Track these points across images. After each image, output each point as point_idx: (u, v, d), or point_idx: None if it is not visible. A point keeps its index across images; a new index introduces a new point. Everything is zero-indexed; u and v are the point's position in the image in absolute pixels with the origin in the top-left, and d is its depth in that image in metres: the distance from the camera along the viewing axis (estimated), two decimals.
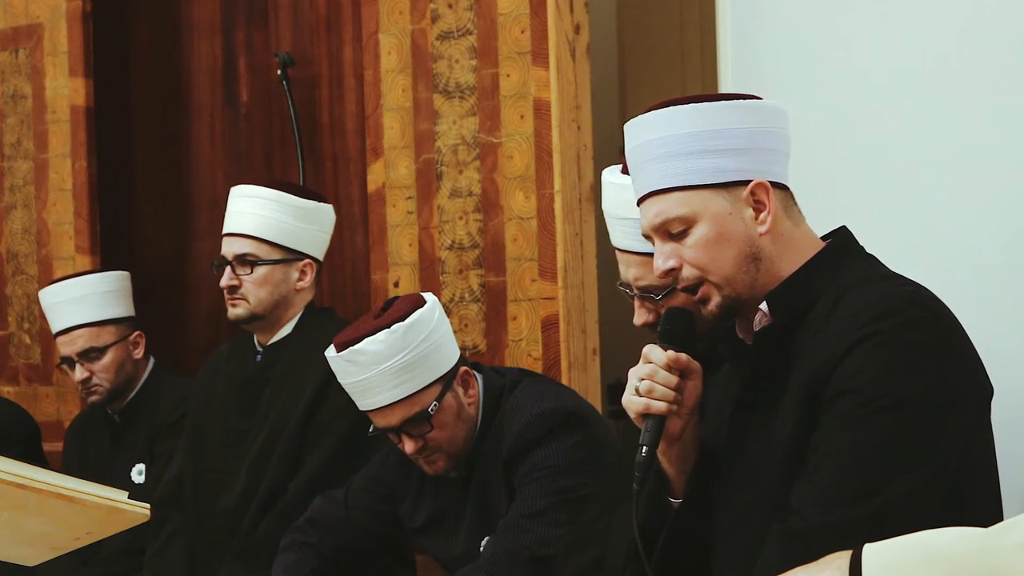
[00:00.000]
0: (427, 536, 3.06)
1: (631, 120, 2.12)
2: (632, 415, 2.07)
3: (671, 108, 2.06)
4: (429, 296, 2.91)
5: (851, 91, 3.09)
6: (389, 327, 2.78)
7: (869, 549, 1.52)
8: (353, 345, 2.80)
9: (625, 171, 2.49)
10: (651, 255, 2.41)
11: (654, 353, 2.07)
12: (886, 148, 3.04)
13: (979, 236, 2.92)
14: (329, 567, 3.10)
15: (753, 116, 2.05)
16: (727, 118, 2.03)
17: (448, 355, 2.88)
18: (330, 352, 2.87)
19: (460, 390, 2.89)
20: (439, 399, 2.83)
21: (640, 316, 2.50)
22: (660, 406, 2.04)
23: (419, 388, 2.82)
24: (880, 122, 3.05)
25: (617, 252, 2.54)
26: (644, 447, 2.03)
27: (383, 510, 3.09)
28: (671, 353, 2.06)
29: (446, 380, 2.86)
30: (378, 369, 2.79)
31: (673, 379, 2.05)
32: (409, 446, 2.87)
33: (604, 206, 2.59)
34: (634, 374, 2.07)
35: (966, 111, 2.94)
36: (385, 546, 3.23)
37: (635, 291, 2.49)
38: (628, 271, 2.50)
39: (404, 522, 3.07)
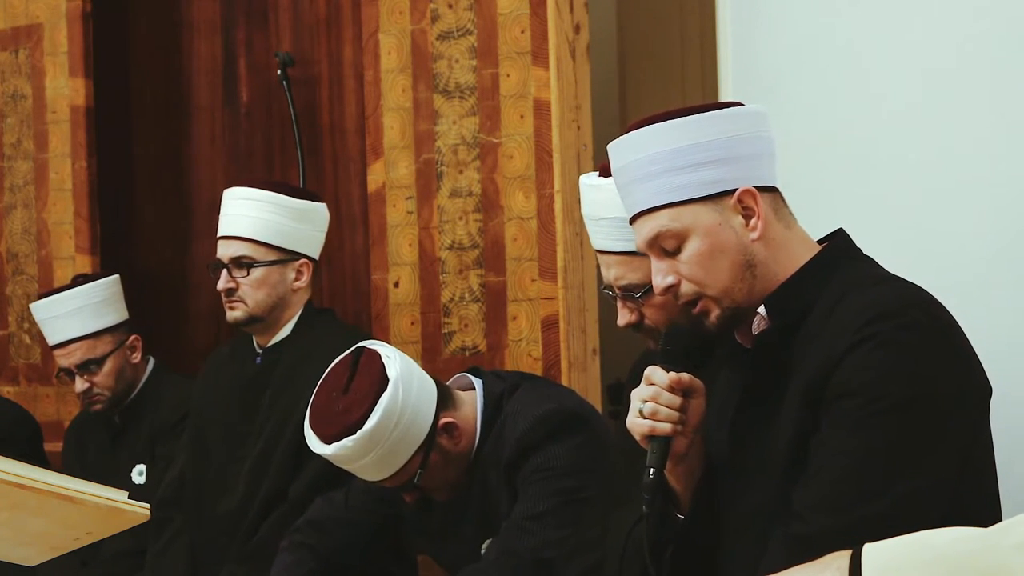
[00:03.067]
0: (429, 538, 3.06)
1: (613, 141, 2.13)
2: (637, 437, 2.06)
3: (651, 127, 2.07)
4: (391, 367, 2.77)
5: (851, 92, 3.09)
6: (352, 433, 2.72)
7: (869, 549, 1.52)
8: (327, 447, 2.76)
9: (603, 174, 2.51)
10: (630, 254, 2.44)
11: (656, 375, 2.06)
12: (885, 149, 3.04)
13: (976, 238, 2.92)
14: (328, 568, 3.10)
15: (731, 124, 2.05)
16: (706, 130, 2.04)
17: (422, 422, 2.79)
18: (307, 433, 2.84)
19: (444, 440, 2.84)
20: (423, 465, 2.81)
21: (623, 316, 2.50)
22: (665, 428, 2.03)
23: (399, 467, 2.79)
24: (879, 123, 3.05)
25: (597, 255, 2.55)
26: (651, 469, 2.02)
27: (383, 511, 3.09)
28: (673, 375, 2.05)
29: (426, 446, 2.81)
30: (353, 464, 2.79)
31: (677, 400, 2.04)
32: (408, 498, 2.90)
33: (583, 210, 2.60)
34: (637, 396, 2.06)
35: (965, 113, 2.94)
36: (385, 547, 3.23)
37: (617, 291, 2.49)
38: (609, 272, 2.50)
39: (406, 523, 3.07)
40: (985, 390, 1.98)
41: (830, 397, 1.91)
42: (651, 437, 2.04)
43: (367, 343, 2.88)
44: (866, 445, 1.87)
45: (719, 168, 2.03)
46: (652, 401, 2.04)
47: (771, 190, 2.08)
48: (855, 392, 1.89)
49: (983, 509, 1.95)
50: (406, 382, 2.77)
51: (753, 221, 2.04)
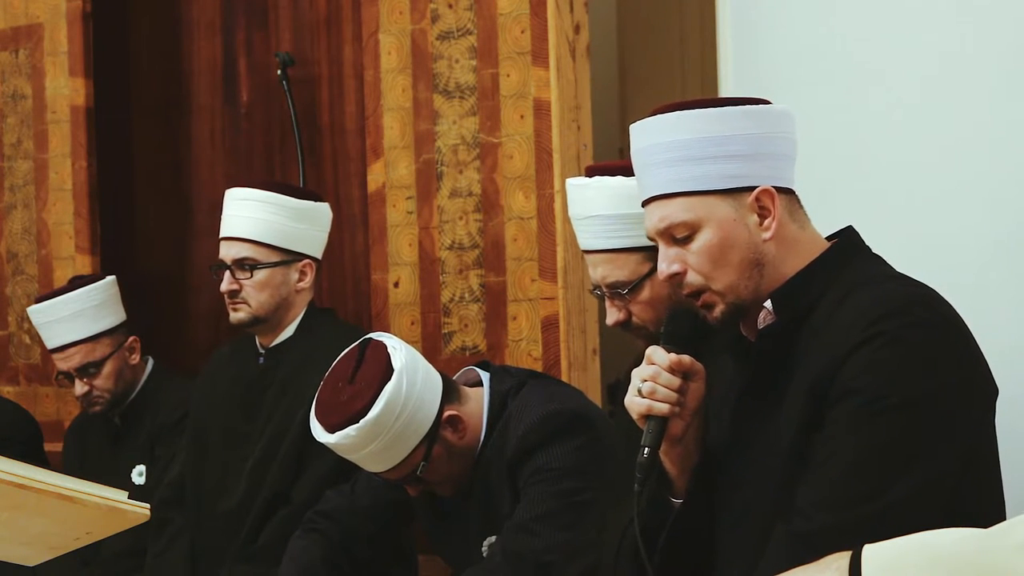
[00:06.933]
0: (431, 532, 3.07)
1: (637, 122, 2.11)
2: (634, 416, 2.07)
3: (679, 112, 2.06)
4: (397, 357, 2.80)
5: (850, 92, 3.09)
6: (356, 422, 2.74)
7: (869, 549, 1.52)
8: (330, 435, 2.77)
9: (589, 174, 2.52)
10: (615, 251, 2.45)
11: (657, 355, 2.07)
12: (885, 148, 3.05)
13: (977, 236, 2.93)
14: (337, 555, 3.10)
15: (760, 122, 2.05)
16: (735, 124, 2.03)
17: (426, 414, 2.81)
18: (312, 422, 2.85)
19: (448, 433, 2.85)
20: (426, 458, 2.82)
21: (611, 315, 2.51)
22: (662, 408, 2.04)
23: (402, 458, 2.80)
24: (879, 122, 3.05)
25: (584, 255, 2.55)
26: (646, 448, 2.03)
27: (389, 497, 3.09)
28: (674, 356, 2.06)
29: (429, 437, 2.82)
30: (357, 454, 2.80)
31: (676, 381, 2.05)
32: (411, 491, 2.91)
33: (570, 211, 2.60)
34: (636, 375, 2.07)
35: (966, 112, 2.94)
36: (390, 538, 3.24)
37: (604, 290, 2.49)
38: (595, 271, 2.51)
39: (415, 513, 3.08)
40: (990, 390, 1.98)
41: (835, 394, 1.91)
42: (648, 416, 2.05)
43: (374, 335, 2.91)
44: (870, 443, 1.87)
45: (741, 163, 2.03)
46: (651, 381, 2.04)
47: (788, 192, 2.08)
48: (860, 390, 1.89)
49: (987, 510, 1.94)
50: (411, 373, 2.79)
51: (767, 221, 2.04)
